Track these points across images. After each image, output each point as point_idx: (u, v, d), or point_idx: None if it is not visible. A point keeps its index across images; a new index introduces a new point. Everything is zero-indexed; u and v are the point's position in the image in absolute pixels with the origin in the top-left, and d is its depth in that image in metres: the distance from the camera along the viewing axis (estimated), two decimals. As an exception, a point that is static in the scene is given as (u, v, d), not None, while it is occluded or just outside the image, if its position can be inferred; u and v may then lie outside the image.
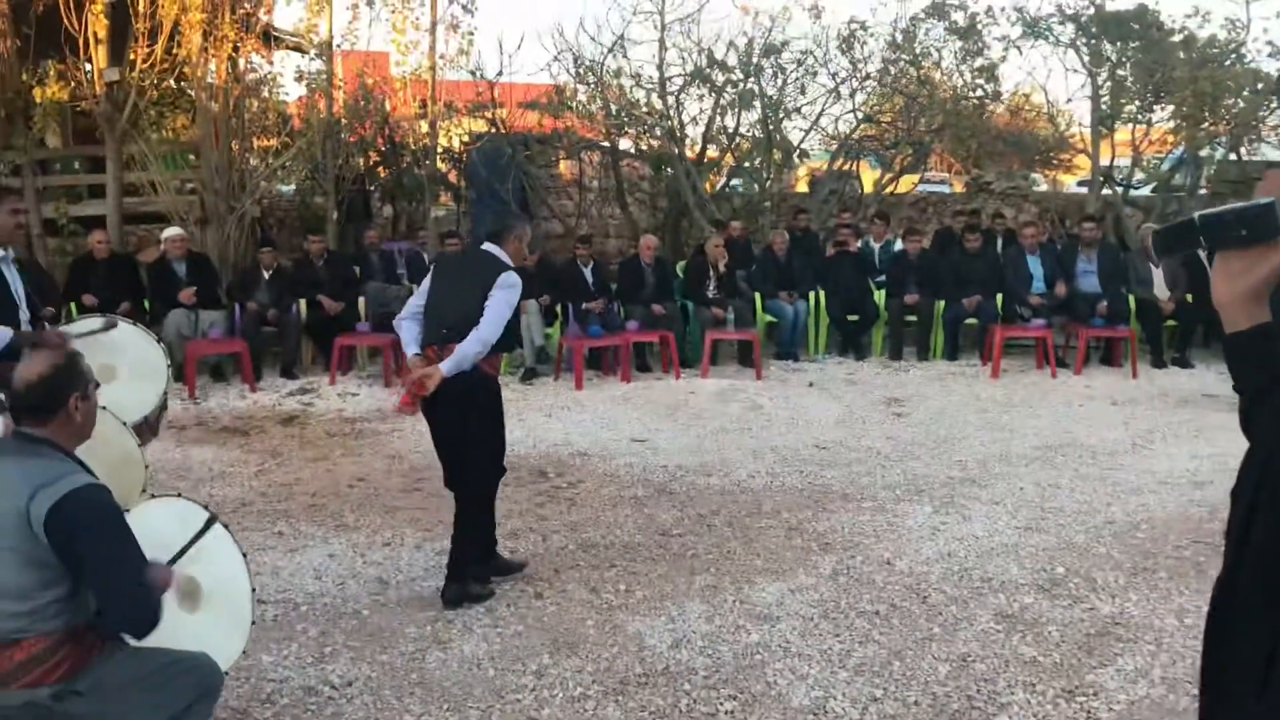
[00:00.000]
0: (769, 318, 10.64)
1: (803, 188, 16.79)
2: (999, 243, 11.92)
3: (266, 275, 9.77)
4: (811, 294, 10.72)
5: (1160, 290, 10.19)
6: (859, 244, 11.50)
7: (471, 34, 11.86)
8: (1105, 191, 13.08)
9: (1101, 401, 8.64)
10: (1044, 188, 19.60)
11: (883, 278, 11.10)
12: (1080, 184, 22.87)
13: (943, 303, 10.48)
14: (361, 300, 10.03)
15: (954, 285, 10.48)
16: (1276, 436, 1.23)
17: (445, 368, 4.38)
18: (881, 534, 5.46)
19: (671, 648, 4.13)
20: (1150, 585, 4.66)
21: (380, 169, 13.48)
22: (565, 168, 14.57)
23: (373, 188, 13.74)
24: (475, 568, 4.72)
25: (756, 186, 13.47)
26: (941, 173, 22.80)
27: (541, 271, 10.11)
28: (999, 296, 10.41)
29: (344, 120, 11.14)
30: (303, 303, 9.71)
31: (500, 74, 12.45)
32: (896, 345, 10.52)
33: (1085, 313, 10.01)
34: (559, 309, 10.03)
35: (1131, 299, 10.18)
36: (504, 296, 4.50)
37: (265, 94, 10.81)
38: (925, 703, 3.64)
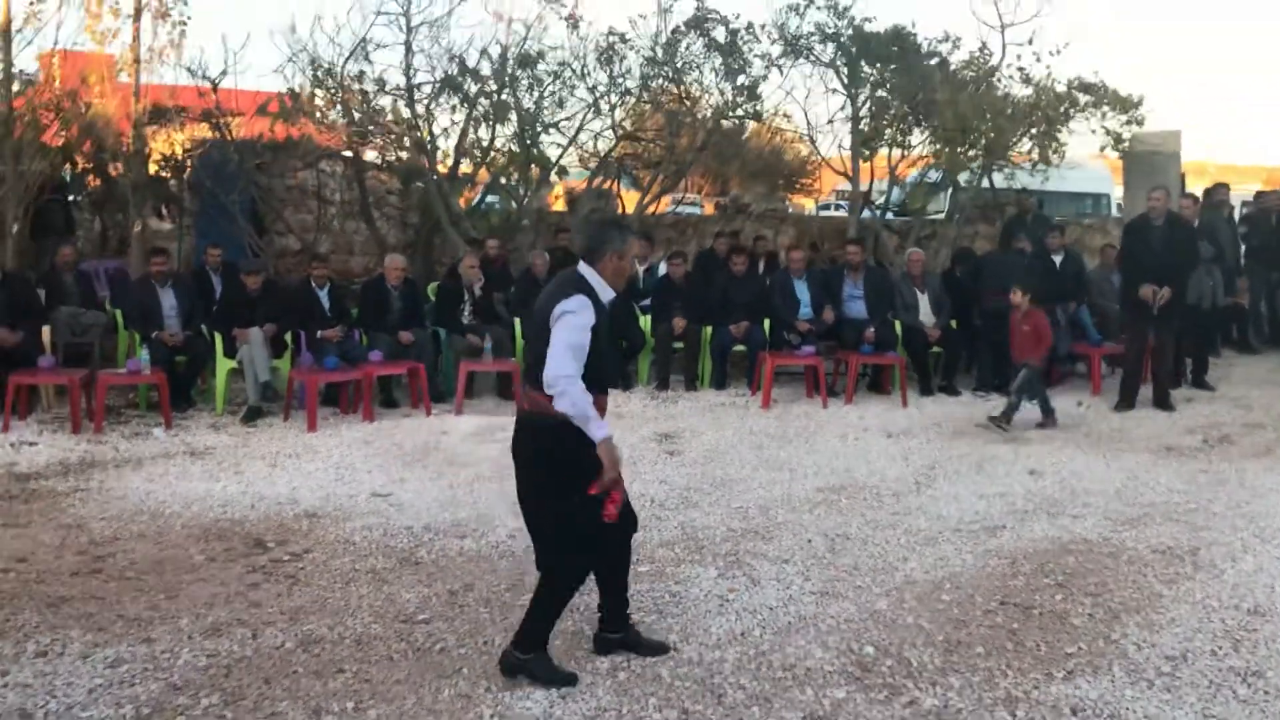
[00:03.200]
0: (529, 345, 9.77)
1: (561, 206, 16.11)
2: (760, 266, 11.58)
3: (-79, 303, 8.09)
4: (574, 320, 9.94)
5: (926, 316, 10.02)
6: (624, 266, 10.83)
7: (184, 23, 10.44)
8: (864, 215, 13.00)
9: (876, 433, 8.26)
10: (791, 210, 19.78)
11: (647, 302, 10.48)
12: (821, 208, 23.41)
13: (710, 329, 9.94)
14: (47, 329, 8.49)
15: (720, 310, 9.97)
16: None
17: (582, 423, 3.74)
18: (664, 608, 4.69)
19: (411, 796, 3.19)
20: (969, 665, 4.08)
21: (91, 178, 11.78)
22: (302, 179, 13.26)
23: (77, 198, 12.01)
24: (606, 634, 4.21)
25: (513, 203, 12.62)
26: (692, 194, 22.76)
27: (268, 294, 8.87)
28: (766, 322, 9.99)
29: (27, 117, 9.47)
30: (-31, 334, 8.09)
31: (224, 73, 11.08)
32: (664, 374, 9.89)
33: (853, 339, 9.71)
34: (289, 338, 8.83)
35: (898, 325, 9.96)
36: (562, 327, 3.77)
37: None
38: None
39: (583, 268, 4.00)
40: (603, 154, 12.88)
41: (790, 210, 21.14)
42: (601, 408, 3.90)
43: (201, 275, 9.67)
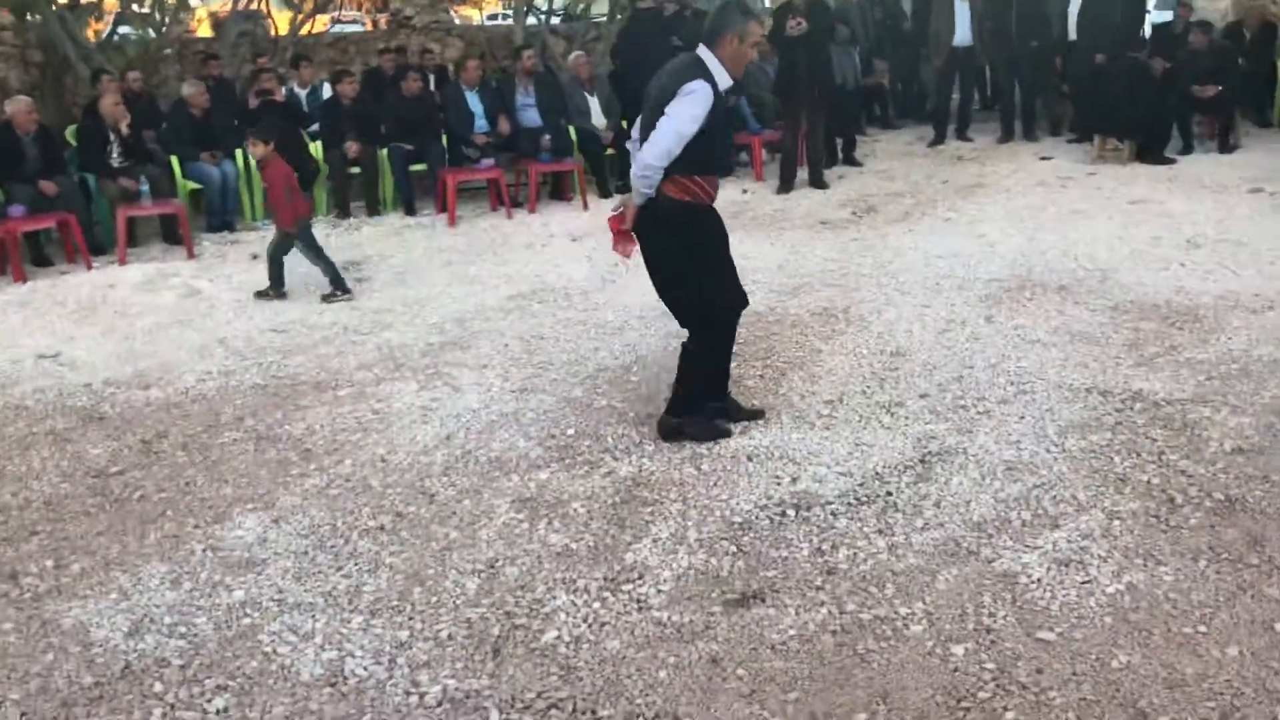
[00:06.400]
0: (192, 184, 9.20)
1: (206, 32, 14.95)
2: (431, 81, 11.31)
3: None
4: (238, 152, 9.42)
5: (598, 119, 10.20)
6: (284, 91, 10.28)
7: None
8: (530, 21, 12.88)
9: (561, 239, 8.47)
10: (457, 21, 19.25)
11: (316, 127, 10.05)
12: (490, 18, 22.88)
13: (385, 150, 9.70)
14: None
15: (394, 130, 9.72)
16: None
17: (634, 198, 4.02)
18: (368, 426, 4.77)
19: (130, 636, 3.18)
20: (659, 437, 4.44)
21: None
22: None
23: None
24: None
25: (151, 32, 11.60)
26: (351, 10, 21.60)
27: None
28: (443, 138, 9.86)
29: None
30: None
31: None
32: (343, 201, 9.61)
33: (531, 148, 9.77)
34: (-91, 201, 7.88)
35: (572, 130, 10.09)
36: (678, 109, 3.85)
37: None
38: (461, 635, 3.08)
39: (702, 51, 4.00)
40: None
41: (457, 21, 20.56)
42: (714, 188, 4.13)
43: None
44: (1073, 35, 11.10)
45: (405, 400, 5.05)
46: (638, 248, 4.20)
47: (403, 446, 4.50)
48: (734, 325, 4.32)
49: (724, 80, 3.99)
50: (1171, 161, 9.81)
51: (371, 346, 5.94)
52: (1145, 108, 9.90)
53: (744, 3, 4.38)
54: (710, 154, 4.03)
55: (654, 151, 3.88)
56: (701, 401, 4.34)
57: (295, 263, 7.43)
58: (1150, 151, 9.89)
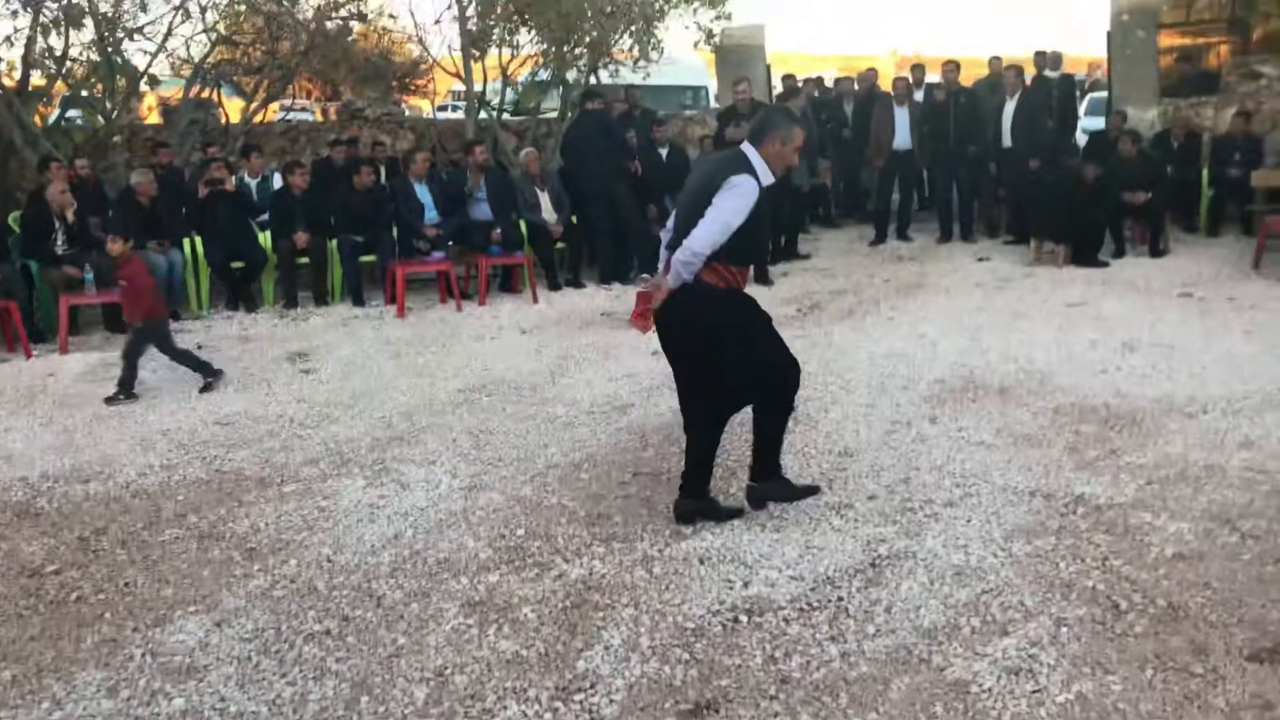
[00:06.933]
0: (137, 272, 9.12)
1: (156, 119, 14.98)
2: (382, 173, 11.40)
3: None
4: (186, 241, 9.38)
5: (548, 214, 10.32)
6: (234, 181, 10.29)
7: None
8: (481, 116, 13.06)
9: (511, 331, 8.51)
10: (408, 114, 19.45)
11: (265, 217, 10.05)
12: (439, 109, 23.13)
13: (335, 241, 9.71)
14: None
15: (345, 221, 9.75)
16: None
17: (670, 280, 4.16)
18: (314, 523, 4.70)
19: (63, 748, 3.08)
20: (610, 534, 4.43)
21: None
22: None
23: None
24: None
25: (100, 118, 11.58)
26: (302, 100, 21.75)
27: None
28: (393, 230, 9.89)
29: None
30: None
31: None
32: (291, 291, 9.58)
33: (482, 241, 9.85)
34: None
35: (522, 224, 10.20)
36: (725, 201, 4.07)
37: None
38: (410, 746, 3.02)
39: (746, 148, 4.24)
40: (197, 61, 12.05)
41: (408, 114, 20.77)
42: (745, 279, 4.32)
43: None
44: (1007, 142, 11.48)
45: (352, 497, 4.99)
46: (653, 328, 4.38)
47: (349, 546, 4.43)
48: (794, 385, 4.40)
49: (766, 177, 4.23)
50: (1105, 265, 10.13)
51: (318, 440, 5.87)
52: (1079, 212, 10.24)
53: (792, 110, 4.75)
54: (749, 245, 4.26)
55: (702, 241, 4.09)
56: (707, 484, 4.53)
57: (239, 354, 7.37)
58: (1084, 255, 10.21)
